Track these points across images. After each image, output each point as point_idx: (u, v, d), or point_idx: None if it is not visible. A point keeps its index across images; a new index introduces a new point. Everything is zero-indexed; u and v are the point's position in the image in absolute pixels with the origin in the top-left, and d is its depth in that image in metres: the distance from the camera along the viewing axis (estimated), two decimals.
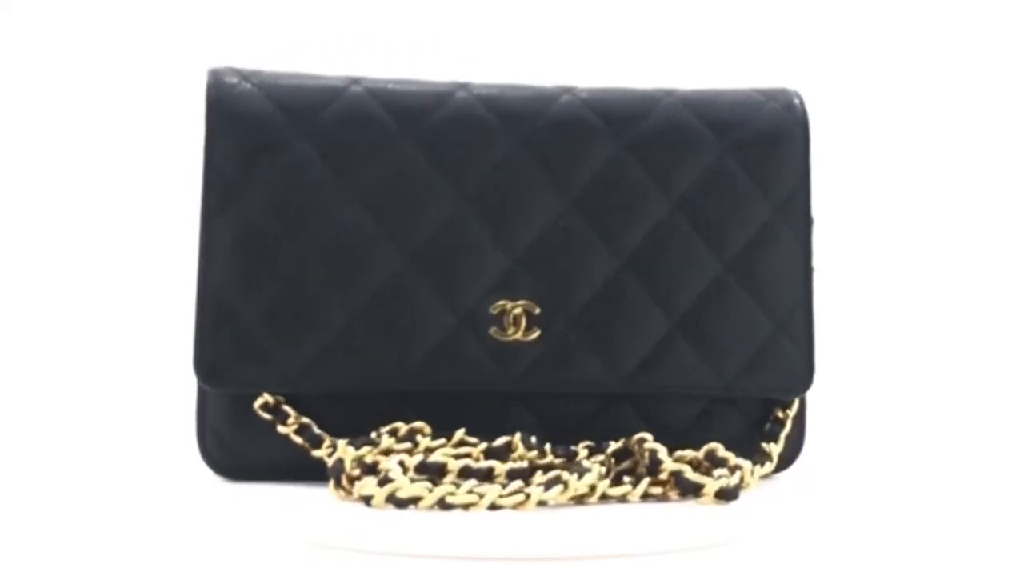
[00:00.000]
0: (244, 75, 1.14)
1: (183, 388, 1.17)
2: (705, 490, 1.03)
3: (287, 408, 1.11)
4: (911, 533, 1.04)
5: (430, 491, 0.98)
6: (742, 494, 1.05)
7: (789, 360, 1.17)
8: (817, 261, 1.19)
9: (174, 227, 1.22)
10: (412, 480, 1.01)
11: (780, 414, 1.18)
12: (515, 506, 1.00)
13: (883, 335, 1.68)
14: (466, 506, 0.98)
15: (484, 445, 1.09)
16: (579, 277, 1.13)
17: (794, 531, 1.04)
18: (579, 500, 1.03)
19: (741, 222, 1.16)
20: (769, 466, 1.14)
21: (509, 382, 1.12)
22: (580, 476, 1.03)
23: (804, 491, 1.13)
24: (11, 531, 0.96)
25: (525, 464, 1.06)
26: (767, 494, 1.10)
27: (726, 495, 1.03)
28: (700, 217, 1.15)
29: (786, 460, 1.19)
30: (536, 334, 1.12)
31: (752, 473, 1.08)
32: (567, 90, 1.16)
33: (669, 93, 1.18)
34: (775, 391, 1.17)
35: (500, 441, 1.09)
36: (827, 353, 1.26)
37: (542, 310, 1.12)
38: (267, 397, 1.11)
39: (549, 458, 1.09)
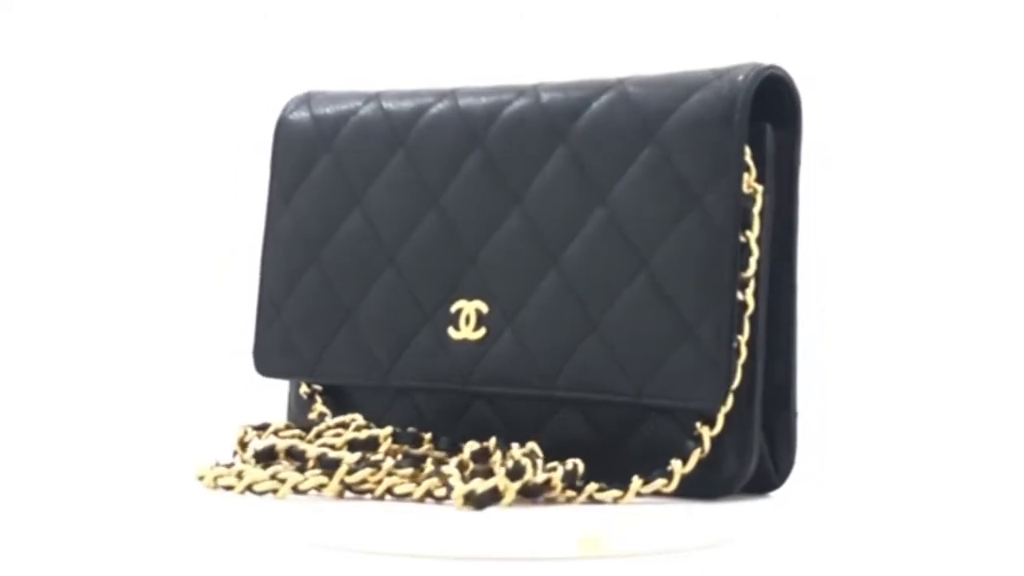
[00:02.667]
0: (309, 97, 1.25)
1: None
2: (454, 493, 1.00)
3: (316, 396, 1.21)
4: (909, 535, 1.03)
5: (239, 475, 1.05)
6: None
7: (697, 370, 1.03)
8: (757, 260, 1.04)
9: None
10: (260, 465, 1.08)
11: (699, 430, 1.04)
12: (270, 491, 1.04)
13: (891, 341, 1.61)
14: (225, 486, 1.05)
15: (350, 436, 1.12)
16: (520, 279, 1.10)
17: (791, 532, 1.03)
18: (360, 492, 1.04)
19: (660, 219, 1.05)
20: (663, 483, 1.03)
21: (462, 380, 1.12)
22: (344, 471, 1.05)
23: (802, 492, 1.12)
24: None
25: (389, 457, 1.07)
26: (765, 495, 1.09)
27: (472, 500, 0.98)
28: (624, 216, 1.06)
29: (750, 484, 1.05)
30: (482, 333, 1.12)
31: (627, 489, 1.02)
32: (537, 87, 1.14)
33: (620, 82, 1.10)
34: (682, 401, 1.04)
35: (373, 432, 1.13)
36: (837, 357, 1.24)
37: (490, 310, 1.12)
38: (304, 386, 1.22)
39: (466, 456, 1.07)
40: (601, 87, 1.11)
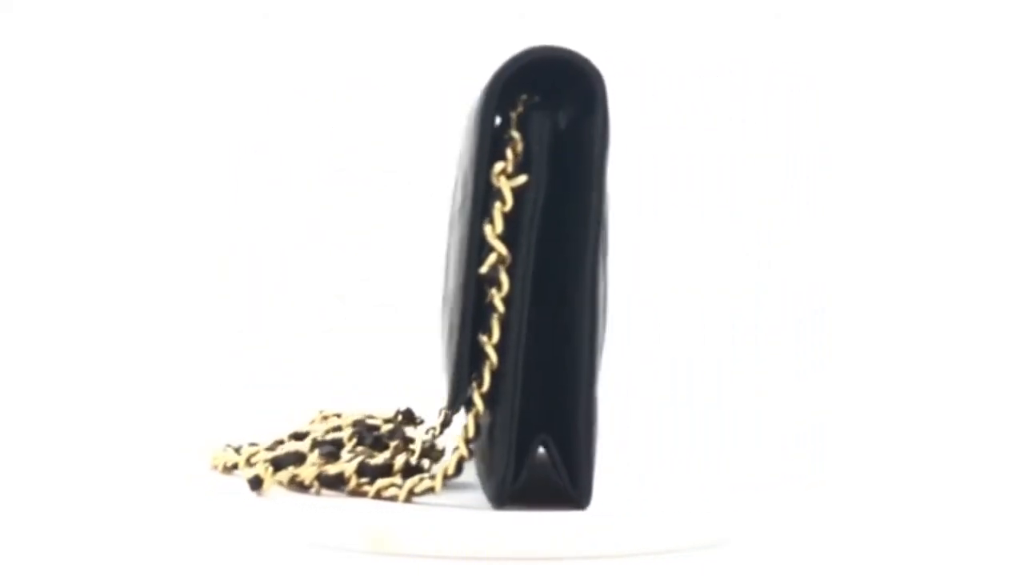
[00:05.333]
0: None
1: None
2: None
3: None
4: (905, 535, 1.03)
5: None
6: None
7: (449, 371, 1.01)
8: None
9: None
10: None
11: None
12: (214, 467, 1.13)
13: (886, 342, 1.61)
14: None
15: (323, 428, 1.18)
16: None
17: (788, 532, 1.03)
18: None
19: (462, 214, 1.01)
20: (429, 484, 1.01)
21: None
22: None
23: (798, 492, 1.12)
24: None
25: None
26: (762, 496, 1.09)
27: (249, 483, 1.04)
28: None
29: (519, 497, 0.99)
30: None
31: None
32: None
33: None
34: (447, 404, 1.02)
35: (339, 423, 1.19)
36: (834, 359, 1.24)
37: None
38: None
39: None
40: None
